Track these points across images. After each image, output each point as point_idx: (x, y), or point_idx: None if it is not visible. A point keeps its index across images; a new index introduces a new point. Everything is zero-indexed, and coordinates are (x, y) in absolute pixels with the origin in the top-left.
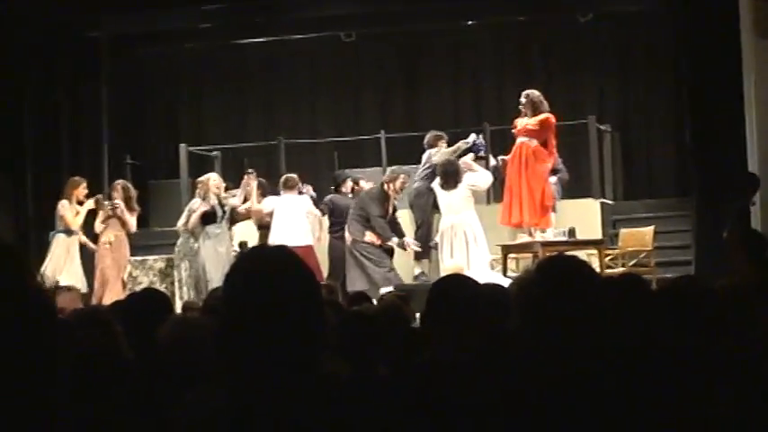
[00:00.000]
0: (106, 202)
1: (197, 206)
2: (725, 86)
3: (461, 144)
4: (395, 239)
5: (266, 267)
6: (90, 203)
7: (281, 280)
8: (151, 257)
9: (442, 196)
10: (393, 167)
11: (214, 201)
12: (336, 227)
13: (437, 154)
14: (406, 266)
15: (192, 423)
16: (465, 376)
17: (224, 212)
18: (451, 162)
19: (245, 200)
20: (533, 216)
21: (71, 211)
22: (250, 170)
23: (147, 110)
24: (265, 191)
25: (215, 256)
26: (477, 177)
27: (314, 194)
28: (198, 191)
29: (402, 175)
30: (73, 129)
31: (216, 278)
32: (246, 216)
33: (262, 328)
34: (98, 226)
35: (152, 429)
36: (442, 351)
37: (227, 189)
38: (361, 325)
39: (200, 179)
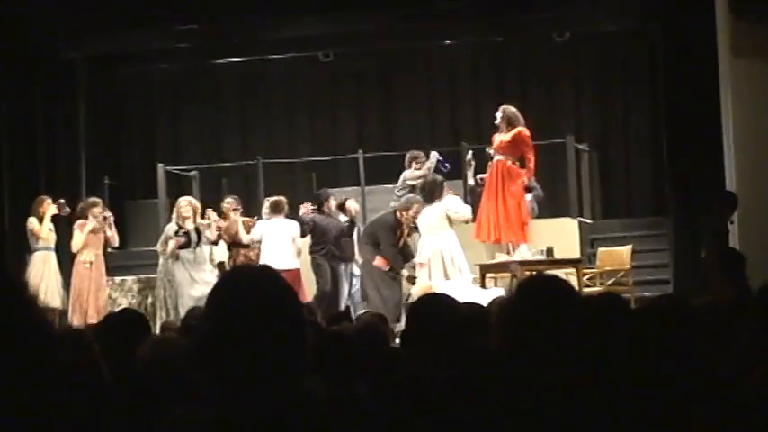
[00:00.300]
0: (98, 217)
1: (172, 233)
2: (702, 106)
3: (429, 164)
4: (404, 272)
5: (249, 286)
6: (53, 209)
7: (263, 298)
8: (129, 278)
9: (422, 215)
10: (408, 196)
11: (190, 226)
12: (318, 247)
13: (410, 176)
14: None
15: None
16: (444, 394)
17: (199, 237)
18: (435, 178)
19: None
20: (511, 234)
21: (38, 224)
22: (230, 199)
23: (124, 130)
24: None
25: (189, 280)
26: (459, 206)
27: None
28: (173, 215)
29: (416, 204)
30: (50, 149)
31: (190, 300)
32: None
33: (244, 345)
34: (76, 244)
35: None
36: (420, 369)
37: (204, 209)
38: (340, 344)
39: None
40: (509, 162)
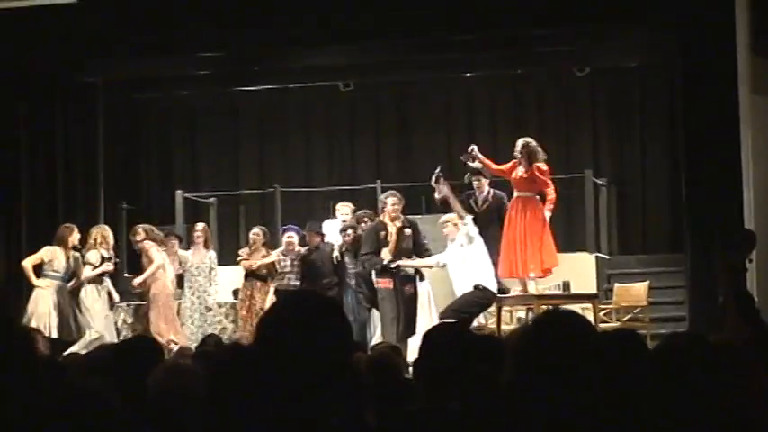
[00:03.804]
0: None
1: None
2: (722, 142)
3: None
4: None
5: (300, 316)
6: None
7: (309, 333)
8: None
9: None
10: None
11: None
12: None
13: None
14: None
15: None
16: (454, 426)
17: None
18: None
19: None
20: (539, 264)
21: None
22: (257, 230)
23: (142, 155)
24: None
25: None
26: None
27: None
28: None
29: (390, 198)
30: (68, 173)
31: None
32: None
33: (285, 377)
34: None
35: None
36: (432, 400)
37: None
38: (351, 374)
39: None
40: (531, 195)
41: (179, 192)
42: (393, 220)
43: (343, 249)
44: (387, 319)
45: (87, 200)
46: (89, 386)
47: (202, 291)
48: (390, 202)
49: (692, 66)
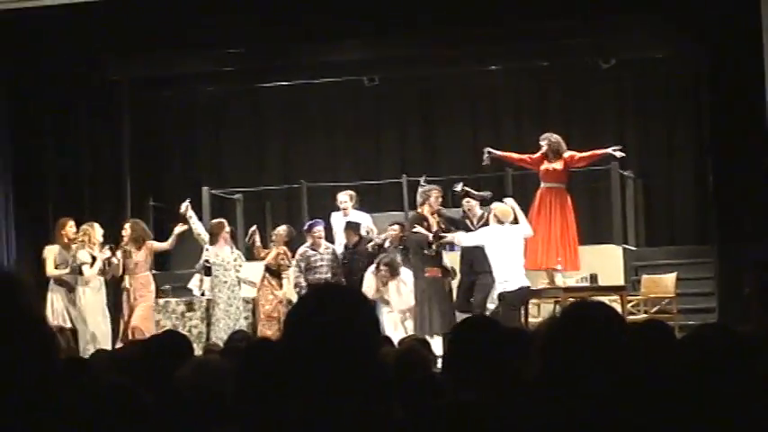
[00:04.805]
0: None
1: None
2: (748, 133)
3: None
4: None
5: (323, 310)
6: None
7: (331, 326)
8: (173, 300)
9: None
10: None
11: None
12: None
13: None
14: None
15: None
16: (483, 419)
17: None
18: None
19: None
20: (566, 259)
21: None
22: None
23: (167, 152)
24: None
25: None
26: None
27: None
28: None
29: (434, 191)
30: (95, 172)
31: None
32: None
33: (311, 370)
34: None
35: None
36: (461, 394)
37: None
38: (378, 369)
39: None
40: (560, 186)
41: (205, 188)
42: (433, 213)
43: (387, 244)
44: (435, 307)
45: (114, 198)
46: (120, 381)
47: (235, 284)
48: (434, 195)
49: (718, 56)
